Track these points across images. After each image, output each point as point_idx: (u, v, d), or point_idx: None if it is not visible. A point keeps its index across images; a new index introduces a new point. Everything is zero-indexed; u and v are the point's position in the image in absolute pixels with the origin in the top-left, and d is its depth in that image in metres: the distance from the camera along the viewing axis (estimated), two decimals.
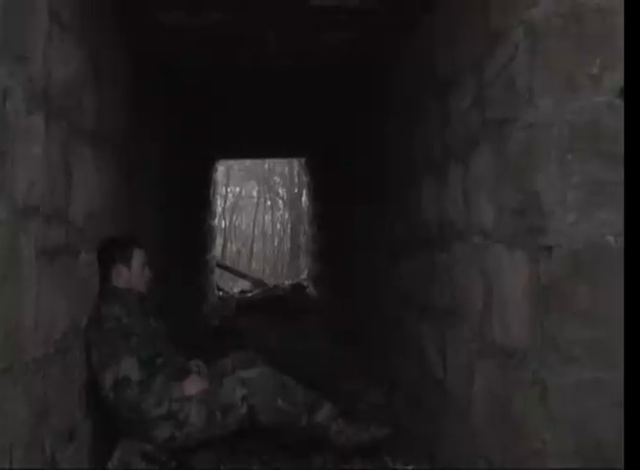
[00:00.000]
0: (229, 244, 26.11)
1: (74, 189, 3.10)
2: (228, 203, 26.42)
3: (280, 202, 27.48)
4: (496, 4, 2.80)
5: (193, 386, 3.74)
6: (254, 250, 27.01)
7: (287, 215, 26.09)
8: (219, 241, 20.64)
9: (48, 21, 2.71)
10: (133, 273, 3.92)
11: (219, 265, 13.83)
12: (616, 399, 2.25)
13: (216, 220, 15.22)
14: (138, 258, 3.94)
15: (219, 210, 20.27)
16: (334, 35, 4.53)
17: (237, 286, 15.38)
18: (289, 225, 25.05)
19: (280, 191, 27.10)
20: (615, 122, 2.28)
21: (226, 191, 25.42)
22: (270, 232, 28.22)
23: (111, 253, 3.85)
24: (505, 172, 2.71)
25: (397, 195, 4.66)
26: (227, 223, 26.40)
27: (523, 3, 2.54)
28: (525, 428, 2.53)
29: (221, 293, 12.45)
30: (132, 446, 3.58)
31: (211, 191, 10.96)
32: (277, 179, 26.64)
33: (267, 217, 28.60)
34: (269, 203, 28.32)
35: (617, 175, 2.26)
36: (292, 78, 5.75)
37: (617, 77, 2.28)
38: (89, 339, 3.53)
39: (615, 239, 2.26)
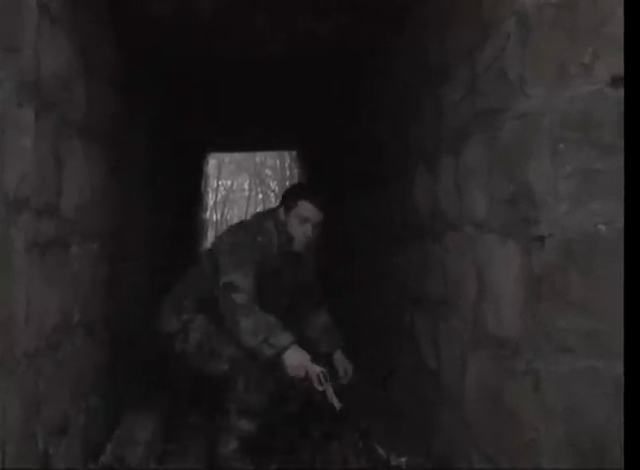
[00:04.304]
0: None
1: (65, 181, 3.08)
2: (219, 196, 26.36)
3: (272, 195, 27.44)
4: None
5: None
6: None
7: None
8: (211, 234, 20.60)
9: (38, 12, 2.69)
10: (289, 224, 3.83)
11: None
12: (609, 389, 2.26)
13: (208, 214, 15.17)
14: (301, 210, 3.80)
15: (211, 203, 20.22)
16: (325, 23, 4.50)
17: None
18: None
19: (271, 184, 27.05)
20: (606, 112, 2.27)
21: (217, 184, 25.37)
22: None
23: (285, 196, 3.97)
24: (497, 163, 2.71)
25: (391, 185, 4.65)
26: (219, 217, 26.35)
27: None
28: (518, 418, 2.53)
29: None
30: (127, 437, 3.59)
31: (203, 184, 10.93)
32: (268, 172, 26.61)
33: (259, 209, 28.54)
34: (261, 196, 28.28)
35: (609, 164, 2.26)
36: (283, 68, 5.72)
37: (608, 66, 2.28)
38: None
39: (607, 228, 2.26)
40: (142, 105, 5.24)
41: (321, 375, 3.38)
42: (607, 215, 2.26)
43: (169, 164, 6.73)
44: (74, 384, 3.28)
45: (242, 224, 4.04)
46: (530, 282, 2.42)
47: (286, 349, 3.38)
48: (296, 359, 3.39)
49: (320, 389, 3.38)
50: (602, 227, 2.26)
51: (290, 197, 3.89)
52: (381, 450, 3.70)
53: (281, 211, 3.87)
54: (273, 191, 26.90)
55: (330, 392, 3.39)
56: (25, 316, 2.55)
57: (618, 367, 2.21)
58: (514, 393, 2.56)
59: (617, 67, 2.26)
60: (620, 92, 2.25)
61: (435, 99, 3.55)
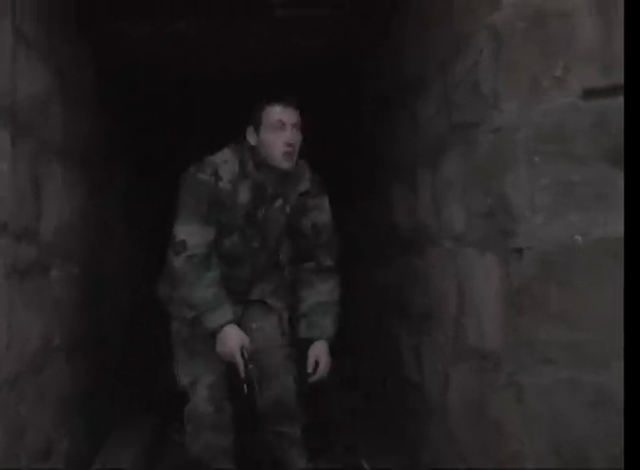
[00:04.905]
0: None
1: (44, 205, 3.08)
2: None
3: None
4: (460, 8, 2.81)
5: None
6: None
7: None
8: None
9: (13, 37, 2.69)
10: (263, 141, 3.09)
11: None
12: (591, 399, 2.28)
13: None
14: (271, 115, 3.09)
15: None
16: (302, 41, 4.51)
17: None
18: None
19: None
20: (580, 124, 2.29)
21: None
22: None
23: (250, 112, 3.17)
24: (474, 176, 2.72)
25: (373, 198, 4.65)
26: None
27: (486, 7, 2.55)
28: (502, 430, 2.53)
29: None
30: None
31: None
32: None
33: None
34: None
35: (584, 176, 2.28)
36: (266, 82, 5.70)
37: (580, 79, 2.30)
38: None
39: (583, 239, 2.28)
40: (119, 123, 5.22)
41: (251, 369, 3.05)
42: (583, 227, 2.28)
43: (151, 181, 6.69)
44: (57, 408, 3.26)
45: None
46: (510, 295, 2.43)
47: (217, 330, 3.03)
48: (225, 344, 3.04)
49: (243, 381, 3.05)
50: (579, 238, 2.28)
51: (254, 111, 3.15)
52: (366, 466, 3.70)
53: (249, 131, 3.15)
54: None
55: (246, 377, 3.05)
56: (6, 342, 2.54)
57: (600, 377, 2.24)
58: (497, 405, 2.57)
59: (589, 79, 2.29)
60: (593, 104, 2.28)
61: (412, 111, 3.55)
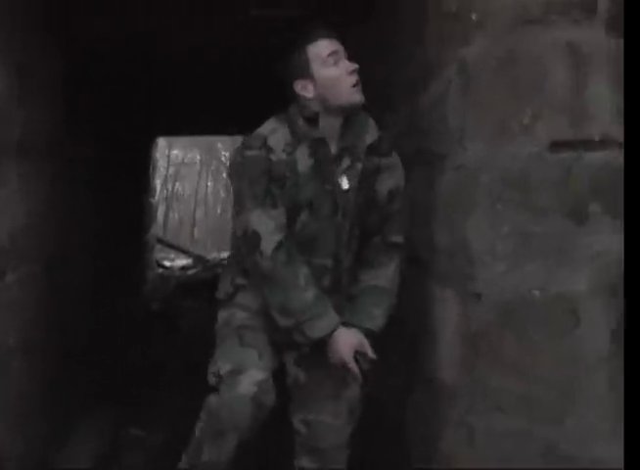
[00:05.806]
0: (171, 213, 25.85)
1: None
2: (171, 170, 26.07)
3: (223, 168, 27.19)
4: (431, 35, 2.75)
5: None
6: (197, 218, 26.78)
7: None
8: (162, 209, 20.49)
9: None
10: (322, 82, 2.61)
11: (160, 241, 13.70)
12: (540, 450, 2.27)
13: (158, 190, 15.05)
14: (320, 51, 2.61)
15: (162, 179, 20.03)
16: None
17: (178, 259, 15.20)
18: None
19: (223, 157, 26.82)
20: (545, 175, 2.26)
21: (168, 158, 25.11)
22: (212, 200, 27.99)
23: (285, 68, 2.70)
24: (437, 208, 2.67)
25: None
26: (169, 190, 26.10)
27: (457, 39, 2.49)
28: (453, 465, 2.53)
29: (161, 269, 12.32)
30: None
31: (151, 168, 10.76)
32: (220, 145, 26.40)
33: (210, 184, 28.36)
34: (212, 168, 28.04)
35: (545, 229, 2.26)
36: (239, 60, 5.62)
37: (549, 130, 2.26)
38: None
39: (541, 293, 2.26)
40: (84, 109, 5.09)
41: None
42: (542, 280, 2.26)
43: (116, 150, 6.57)
44: (12, 411, 3.21)
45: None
46: (469, 336, 2.42)
47: (325, 338, 2.54)
48: (336, 351, 2.54)
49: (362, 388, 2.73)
50: (536, 292, 2.26)
51: (293, 61, 2.65)
52: None
53: (298, 84, 2.65)
54: (225, 164, 26.66)
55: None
56: None
57: (550, 432, 2.24)
58: (450, 440, 2.56)
59: (557, 131, 2.25)
60: (559, 157, 2.25)
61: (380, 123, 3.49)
